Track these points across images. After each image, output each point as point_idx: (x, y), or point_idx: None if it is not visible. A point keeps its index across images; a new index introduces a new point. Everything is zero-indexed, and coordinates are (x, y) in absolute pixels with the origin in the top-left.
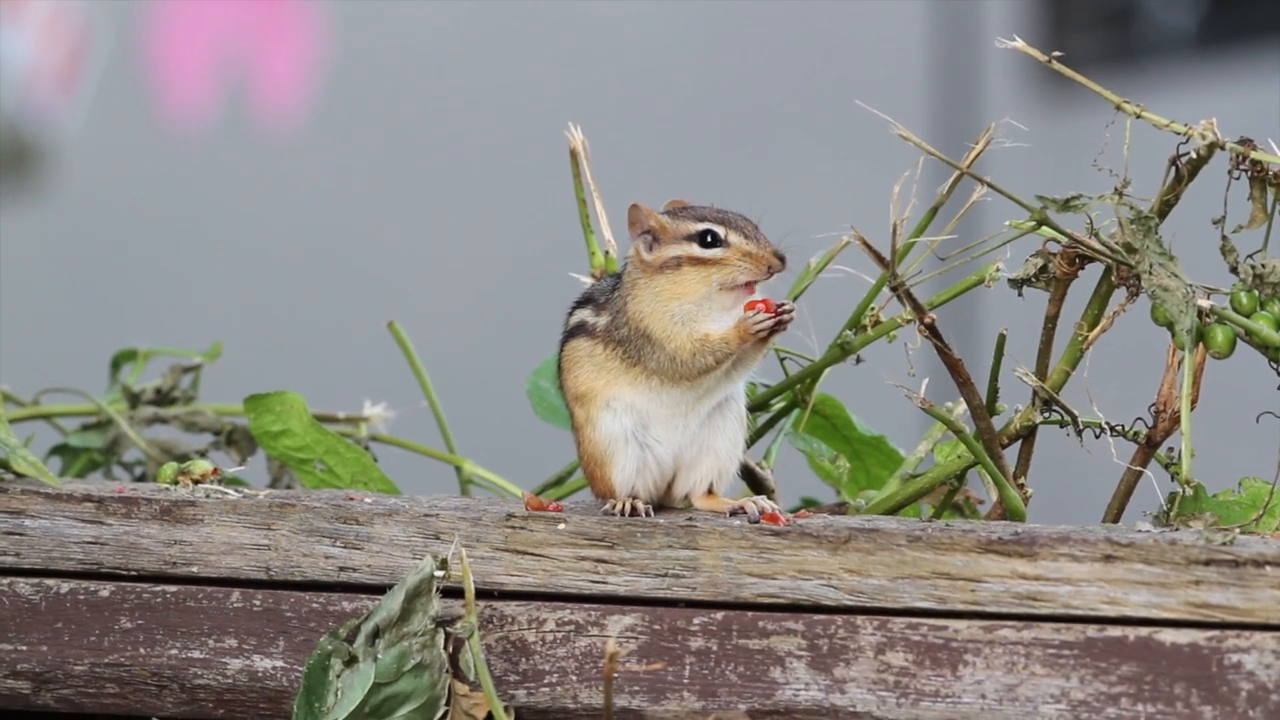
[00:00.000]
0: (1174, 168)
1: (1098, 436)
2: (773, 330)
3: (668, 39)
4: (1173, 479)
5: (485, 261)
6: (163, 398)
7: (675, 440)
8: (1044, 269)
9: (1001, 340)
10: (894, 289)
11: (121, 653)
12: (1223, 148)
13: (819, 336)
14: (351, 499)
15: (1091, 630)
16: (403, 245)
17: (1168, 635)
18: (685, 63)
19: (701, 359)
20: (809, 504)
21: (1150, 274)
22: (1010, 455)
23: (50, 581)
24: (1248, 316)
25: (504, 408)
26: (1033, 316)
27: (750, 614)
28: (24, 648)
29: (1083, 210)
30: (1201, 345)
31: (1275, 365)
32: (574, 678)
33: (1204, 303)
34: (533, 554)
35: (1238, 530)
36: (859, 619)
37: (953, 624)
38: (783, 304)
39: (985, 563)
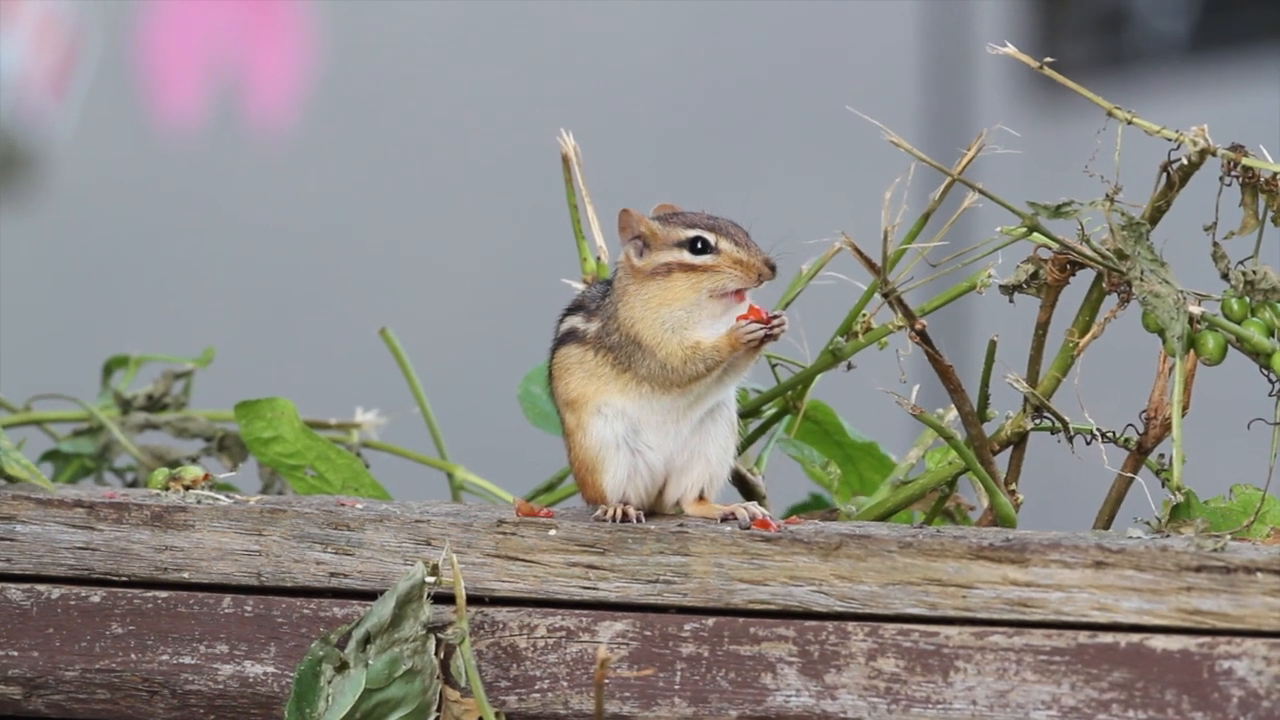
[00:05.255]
0: (1165, 174)
1: (1089, 443)
2: (763, 340)
3: (660, 45)
4: (1164, 485)
5: (477, 267)
6: (154, 404)
7: (666, 446)
8: (1035, 275)
9: (993, 347)
10: (885, 295)
11: (113, 658)
12: (1214, 154)
13: (810, 343)
14: (343, 505)
15: (1083, 636)
16: (395, 251)
17: (1159, 642)
18: (677, 69)
19: (692, 366)
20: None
21: (1141, 280)
22: (1001, 462)
23: (41, 587)
24: (1239, 323)
25: (496, 414)
26: (1024, 323)
27: (741, 620)
28: (15, 653)
29: (1074, 216)
30: (1193, 352)
31: (1266, 372)
32: (565, 684)
33: (1195, 309)
34: (524, 560)
35: (1229, 537)
36: (850, 625)
37: (944, 630)
38: (775, 315)
39: (976, 569)
